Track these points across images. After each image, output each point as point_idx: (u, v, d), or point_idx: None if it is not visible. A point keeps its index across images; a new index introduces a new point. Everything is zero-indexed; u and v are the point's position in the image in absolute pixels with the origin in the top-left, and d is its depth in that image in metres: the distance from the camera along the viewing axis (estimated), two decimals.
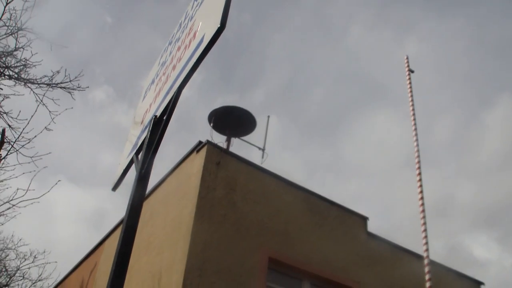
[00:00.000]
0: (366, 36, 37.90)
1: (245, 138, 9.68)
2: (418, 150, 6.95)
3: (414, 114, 7.18)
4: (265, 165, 9.51)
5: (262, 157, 9.53)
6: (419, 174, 6.82)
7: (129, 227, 4.39)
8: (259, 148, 9.56)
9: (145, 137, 4.79)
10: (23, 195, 8.91)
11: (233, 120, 9.30)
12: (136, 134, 5.47)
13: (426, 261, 6.47)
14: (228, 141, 9.24)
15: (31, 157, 9.02)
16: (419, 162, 6.90)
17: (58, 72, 8.93)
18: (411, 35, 38.85)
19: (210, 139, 8.74)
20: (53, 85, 8.65)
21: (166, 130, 4.54)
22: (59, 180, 9.16)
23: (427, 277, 6.37)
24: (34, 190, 9.07)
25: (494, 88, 36.41)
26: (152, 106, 5.23)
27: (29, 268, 18.21)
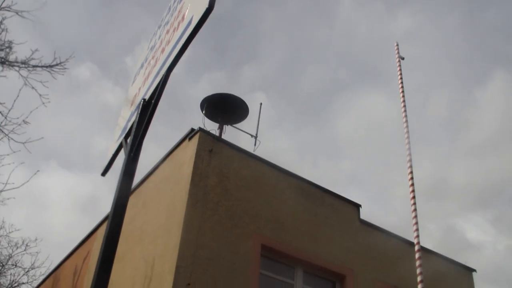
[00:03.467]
0: (358, 10, 37.52)
1: (237, 125, 9.67)
2: (408, 142, 6.93)
3: (404, 101, 7.17)
4: (257, 152, 9.51)
5: (255, 144, 9.52)
6: (410, 166, 6.80)
7: (117, 211, 4.39)
8: (252, 136, 9.56)
9: (134, 121, 4.78)
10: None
11: (225, 108, 9.28)
12: (125, 118, 5.46)
13: (417, 248, 6.48)
14: (221, 128, 9.22)
15: (23, 143, 8.97)
16: (409, 155, 6.87)
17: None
18: (404, 8, 38.32)
19: (202, 127, 8.72)
20: (43, 67, 8.56)
21: (155, 113, 4.53)
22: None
23: (417, 263, 6.38)
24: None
25: (489, 63, 35.91)
26: (141, 90, 5.22)
27: (21, 256, 18.22)
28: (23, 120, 8.70)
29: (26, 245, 17.88)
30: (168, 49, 4.61)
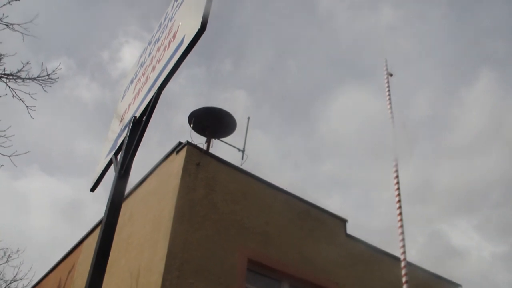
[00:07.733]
0: (341, 4, 37.17)
1: (225, 139, 9.69)
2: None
3: (392, 117, 7.23)
4: (245, 166, 9.53)
5: (242, 158, 9.54)
6: (396, 173, 6.85)
7: (108, 228, 4.38)
8: (239, 150, 9.59)
9: (124, 138, 4.77)
10: None
11: (213, 121, 9.30)
12: (115, 134, 5.45)
13: (403, 264, 6.53)
14: (208, 142, 9.23)
15: (9, 156, 8.91)
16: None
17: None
18: (387, 1, 37.91)
19: (190, 140, 8.73)
20: (32, 79, 8.54)
21: (146, 131, 4.53)
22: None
23: (404, 279, 6.43)
24: None
25: (475, 62, 35.33)
26: (131, 107, 5.21)
27: (3, 268, 17.94)
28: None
29: (8, 256, 17.61)
30: (159, 67, 4.62)
